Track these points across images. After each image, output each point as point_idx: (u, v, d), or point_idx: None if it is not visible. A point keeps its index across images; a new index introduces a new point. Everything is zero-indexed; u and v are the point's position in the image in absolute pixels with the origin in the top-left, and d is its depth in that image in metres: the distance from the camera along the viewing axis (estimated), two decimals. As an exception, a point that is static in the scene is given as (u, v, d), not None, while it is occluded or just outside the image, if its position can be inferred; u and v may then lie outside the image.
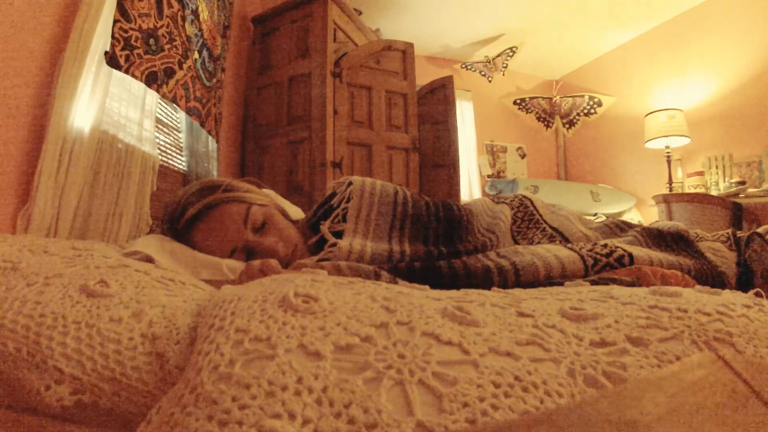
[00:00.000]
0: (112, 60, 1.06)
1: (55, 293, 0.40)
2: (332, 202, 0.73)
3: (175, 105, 1.42)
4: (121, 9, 1.10)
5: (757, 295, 0.37)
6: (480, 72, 4.04)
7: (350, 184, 0.73)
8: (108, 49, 1.05)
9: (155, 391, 0.33)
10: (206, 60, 1.62)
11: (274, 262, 0.54)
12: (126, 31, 1.11)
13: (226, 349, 0.26)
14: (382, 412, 0.21)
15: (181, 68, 1.41)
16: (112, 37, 1.06)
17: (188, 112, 1.49)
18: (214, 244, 0.67)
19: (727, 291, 0.38)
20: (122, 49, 1.09)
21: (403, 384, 0.23)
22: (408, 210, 0.71)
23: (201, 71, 1.57)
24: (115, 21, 1.07)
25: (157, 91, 1.27)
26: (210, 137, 1.72)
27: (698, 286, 0.40)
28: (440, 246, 0.69)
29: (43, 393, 0.34)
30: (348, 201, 0.70)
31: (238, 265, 0.65)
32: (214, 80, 1.70)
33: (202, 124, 1.61)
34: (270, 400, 0.22)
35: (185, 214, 0.68)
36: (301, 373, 0.23)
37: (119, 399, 0.34)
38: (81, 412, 0.35)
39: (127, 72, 1.12)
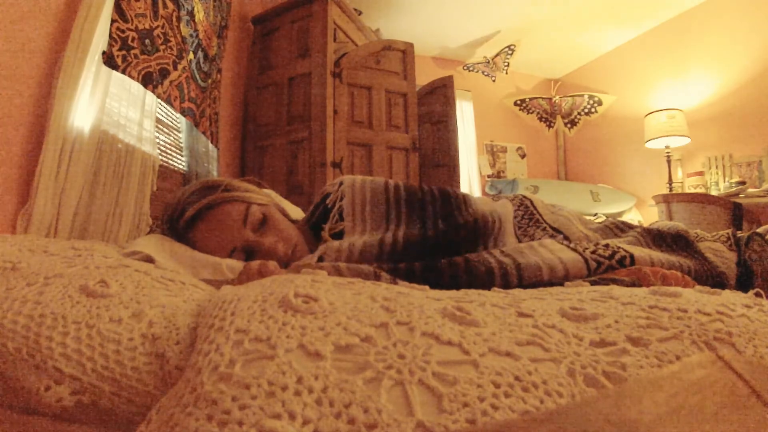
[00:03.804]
0: (109, 60, 1.06)
1: (55, 293, 0.40)
2: (327, 203, 0.74)
3: (170, 106, 1.42)
4: (119, 9, 1.10)
5: (757, 295, 0.37)
6: (483, 72, 4.04)
7: (341, 183, 0.74)
8: (106, 49, 1.05)
9: (155, 392, 0.33)
10: (201, 60, 1.62)
11: (272, 264, 0.55)
12: (123, 31, 1.11)
13: (226, 350, 0.26)
14: (382, 412, 0.21)
15: (175, 69, 1.40)
16: (110, 36, 1.06)
17: (182, 112, 1.49)
18: (214, 244, 0.67)
19: (727, 291, 0.38)
20: (119, 49, 1.10)
21: (403, 384, 0.23)
22: (400, 193, 0.72)
23: (196, 72, 1.57)
24: (113, 21, 1.07)
25: (153, 91, 1.27)
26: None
27: (698, 287, 0.40)
28: (438, 221, 0.69)
29: (42, 393, 0.34)
30: (341, 200, 0.71)
31: (238, 264, 0.65)
32: (209, 81, 1.70)
33: (196, 125, 1.61)
34: (270, 400, 0.22)
35: (184, 214, 0.68)
36: (301, 373, 0.23)
37: (119, 399, 0.34)
38: (81, 412, 0.35)
39: (124, 72, 1.12)
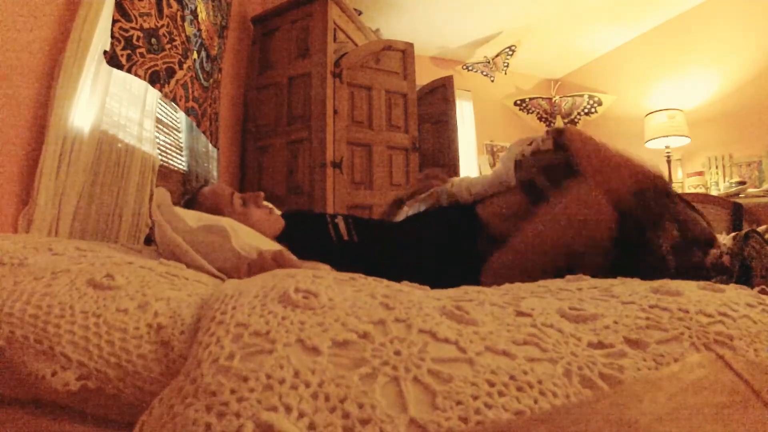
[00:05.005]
0: (112, 59, 1.06)
1: (63, 286, 0.41)
2: None
3: (175, 105, 1.42)
4: (120, 9, 1.10)
5: (762, 292, 0.37)
6: (482, 72, 4.03)
7: None
8: (107, 48, 1.05)
9: (160, 378, 0.34)
10: (204, 60, 1.62)
11: (288, 253, 0.56)
12: (127, 31, 1.11)
13: (226, 342, 0.26)
14: (376, 408, 0.21)
15: (181, 68, 1.41)
16: (112, 36, 1.06)
17: (186, 112, 1.49)
18: (220, 189, 0.92)
19: (731, 287, 0.38)
20: (123, 49, 1.10)
21: (398, 380, 0.23)
22: None
23: (199, 71, 1.57)
24: (115, 21, 1.07)
25: (160, 90, 1.28)
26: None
27: (701, 282, 0.39)
28: None
29: (49, 378, 0.34)
30: None
31: (238, 226, 0.71)
32: (211, 80, 1.70)
33: (198, 124, 1.61)
34: (267, 394, 0.22)
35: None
36: (298, 368, 0.24)
37: (124, 385, 0.34)
38: (86, 397, 0.35)
39: (129, 71, 1.12)
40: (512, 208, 0.80)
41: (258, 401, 0.21)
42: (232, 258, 0.62)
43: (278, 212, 0.93)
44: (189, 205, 0.89)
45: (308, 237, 0.82)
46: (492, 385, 0.24)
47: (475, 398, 0.23)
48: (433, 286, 0.43)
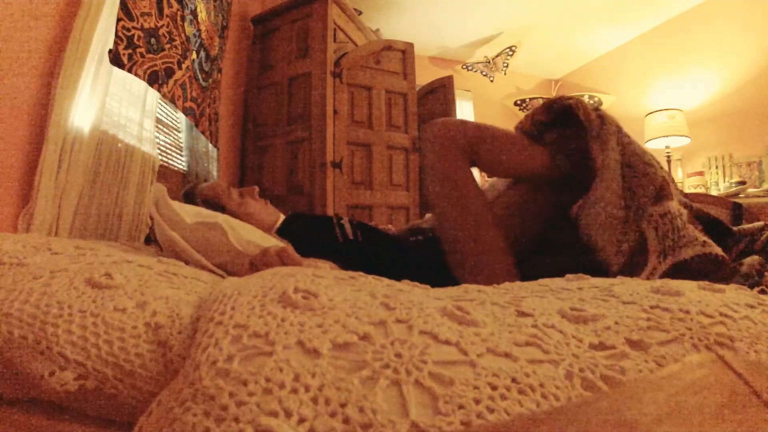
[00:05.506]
0: (115, 58, 1.06)
1: (61, 285, 0.41)
2: None
3: (173, 105, 1.42)
4: (124, 8, 1.09)
5: (761, 293, 0.36)
6: (481, 72, 4.03)
7: None
8: (111, 47, 1.05)
9: (158, 377, 0.34)
10: (203, 60, 1.62)
11: (291, 249, 0.56)
12: (129, 30, 1.11)
13: (224, 344, 0.26)
14: (378, 412, 0.21)
15: (179, 68, 1.40)
16: (116, 35, 1.06)
17: (184, 112, 1.49)
18: (216, 183, 0.98)
19: (730, 288, 0.37)
20: (125, 48, 1.09)
21: (399, 384, 0.23)
22: None
23: (198, 71, 1.57)
24: (118, 19, 1.07)
25: (158, 90, 1.27)
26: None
27: (701, 282, 0.39)
28: None
29: (47, 378, 0.34)
30: None
31: (236, 223, 0.71)
32: (210, 80, 1.70)
33: (197, 124, 1.61)
34: (267, 398, 0.22)
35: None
36: (298, 371, 0.23)
37: (122, 385, 0.34)
38: (84, 397, 0.35)
39: (129, 71, 1.11)
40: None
41: (257, 405, 0.21)
42: (230, 254, 0.62)
43: (274, 208, 0.97)
44: (187, 200, 0.92)
45: (314, 236, 0.83)
46: (494, 388, 0.23)
47: (477, 402, 0.22)
48: (433, 285, 0.43)
